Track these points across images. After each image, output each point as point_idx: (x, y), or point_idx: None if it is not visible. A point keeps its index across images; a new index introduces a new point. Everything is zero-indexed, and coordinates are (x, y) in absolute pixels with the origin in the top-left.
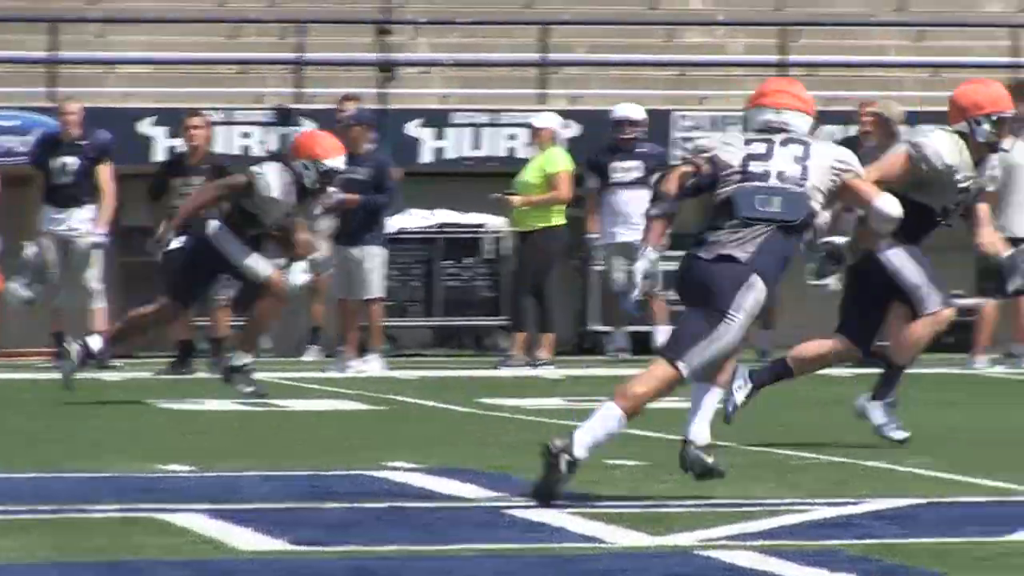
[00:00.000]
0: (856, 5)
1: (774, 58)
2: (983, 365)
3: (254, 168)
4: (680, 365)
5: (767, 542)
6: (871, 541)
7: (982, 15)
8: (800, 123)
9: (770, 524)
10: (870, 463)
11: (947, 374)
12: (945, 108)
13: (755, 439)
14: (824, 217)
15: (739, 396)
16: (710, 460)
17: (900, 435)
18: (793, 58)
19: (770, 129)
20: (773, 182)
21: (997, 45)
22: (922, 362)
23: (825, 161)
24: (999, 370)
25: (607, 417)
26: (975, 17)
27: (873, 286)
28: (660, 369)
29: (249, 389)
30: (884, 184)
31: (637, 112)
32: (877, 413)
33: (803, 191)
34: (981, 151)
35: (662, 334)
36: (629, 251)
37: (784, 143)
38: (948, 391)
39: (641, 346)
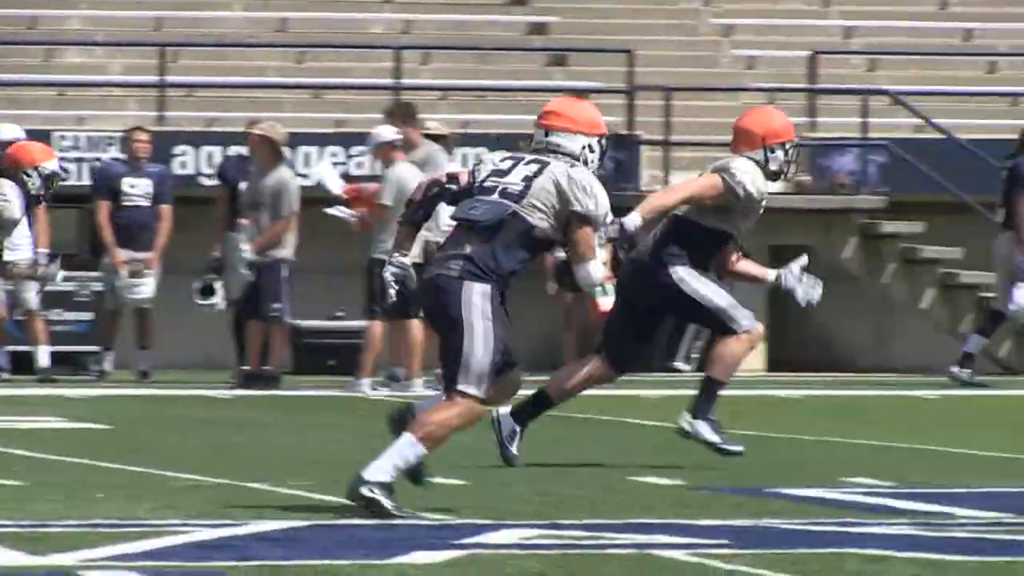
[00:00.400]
0: (237, 26)
1: (154, 79)
2: (367, 388)
3: None
4: (461, 389)
5: (150, 563)
6: (255, 563)
7: (364, 36)
8: (569, 143)
9: (153, 545)
10: (252, 485)
11: (331, 397)
12: (325, 129)
13: (138, 461)
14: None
15: (514, 448)
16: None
17: (736, 447)
18: (172, 78)
19: (538, 149)
20: (494, 197)
21: (380, 67)
22: (305, 384)
23: (554, 183)
24: (383, 392)
25: (401, 446)
26: (357, 39)
27: (641, 309)
28: (450, 403)
29: None
30: (689, 205)
31: (14, 132)
32: (706, 430)
33: (510, 206)
34: (769, 178)
35: (43, 354)
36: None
37: (528, 162)
38: (331, 414)
39: (25, 365)
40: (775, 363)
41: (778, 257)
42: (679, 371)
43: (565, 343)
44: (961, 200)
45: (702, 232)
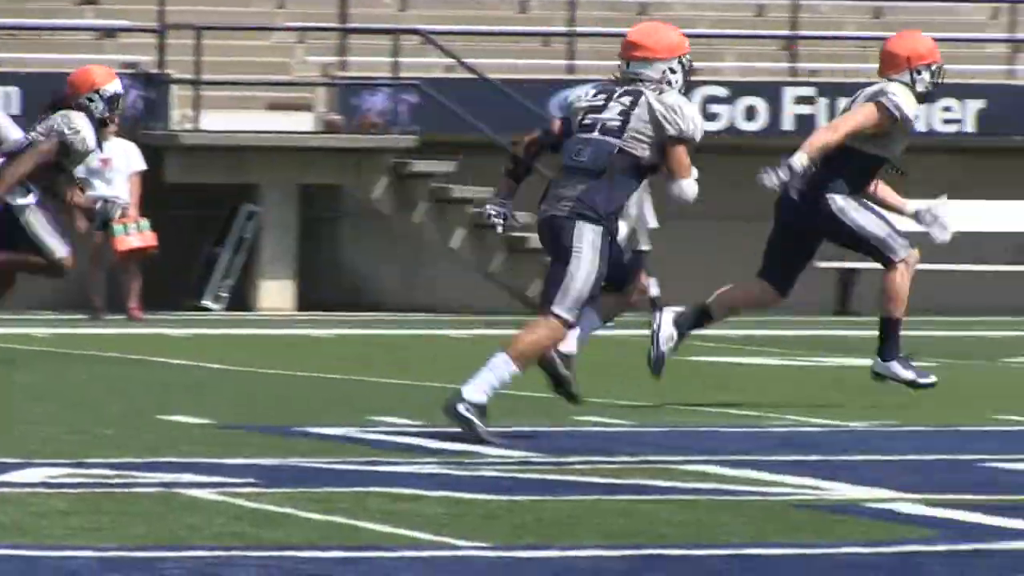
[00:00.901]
0: None
1: None
2: None
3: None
4: (556, 311)
5: None
6: None
7: None
8: (648, 71)
9: None
10: None
11: None
12: None
13: None
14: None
15: (666, 347)
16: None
17: (930, 379)
18: None
19: (624, 80)
20: (595, 135)
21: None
22: None
23: (649, 112)
24: None
25: (496, 365)
26: None
27: (799, 234)
28: (542, 322)
29: None
30: (852, 136)
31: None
32: (900, 370)
33: (614, 143)
34: (917, 100)
35: None
36: None
37: (621, 95)
38: None
39: None
40: (305, 302)
41: (307, 197)
42: (208, 310)
43: (92, 281)
44: (493, 140)
45: (860, 158)
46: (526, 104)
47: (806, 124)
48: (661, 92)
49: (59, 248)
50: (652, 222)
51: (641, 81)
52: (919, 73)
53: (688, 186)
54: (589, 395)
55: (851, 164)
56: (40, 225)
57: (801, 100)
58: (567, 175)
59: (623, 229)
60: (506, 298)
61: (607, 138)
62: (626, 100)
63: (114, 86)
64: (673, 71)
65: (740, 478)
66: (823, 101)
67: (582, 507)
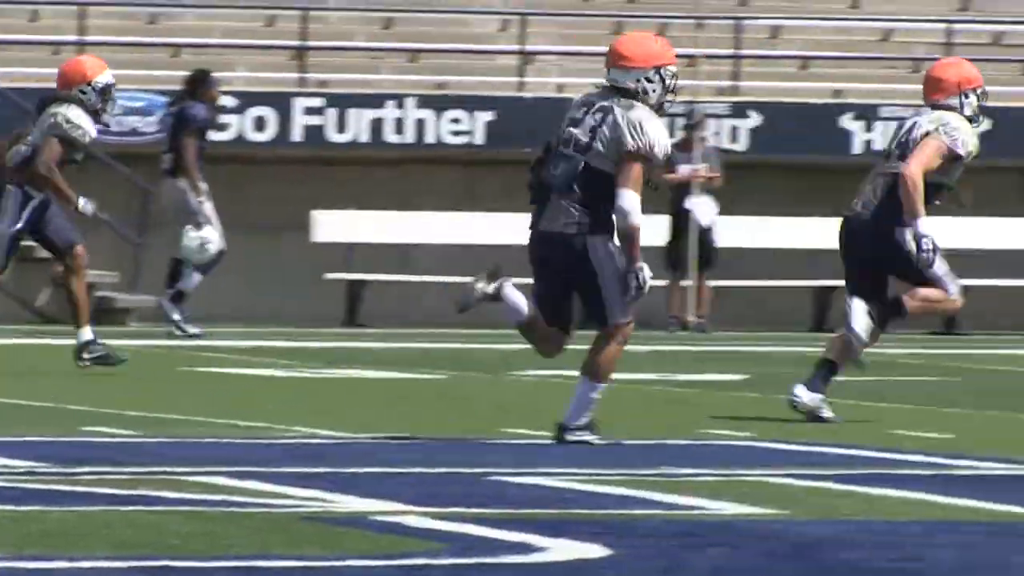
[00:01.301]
0: None
1: None
2: None
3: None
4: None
5: None
6: None
7: None
8: (623, 78)
9: None
10: None
11: None
12: None
13: None
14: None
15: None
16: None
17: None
18: None
19: (604, 87)
20: (569, 150)
21: None
22: None
23: (613, 128)
24: None
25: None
26: None
27: (870, 264)
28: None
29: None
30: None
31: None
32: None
33: (580, 159)
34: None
35: None
36: None
37: (595, 111)
38: None
39: None
40: None
41: None
42: None
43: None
44: None
45: (925, 187)
46: (26, 107)
47: (315, 135)
48: (631, 107)
49: (76, 238)
50: None
51: (618, 89)
52: (967, 97)
53: (629, 197)
54: (99, 406)
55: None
56: (57, 221)
57: (311, 111)
58: (554, 190)
59: None
60: (15, 308)
61: (576, 154)
62: (598, 116)
63: (105, 77)
64: (649, 80)
65: (247, 490)
66: (332, 112)
67: (90, 518)
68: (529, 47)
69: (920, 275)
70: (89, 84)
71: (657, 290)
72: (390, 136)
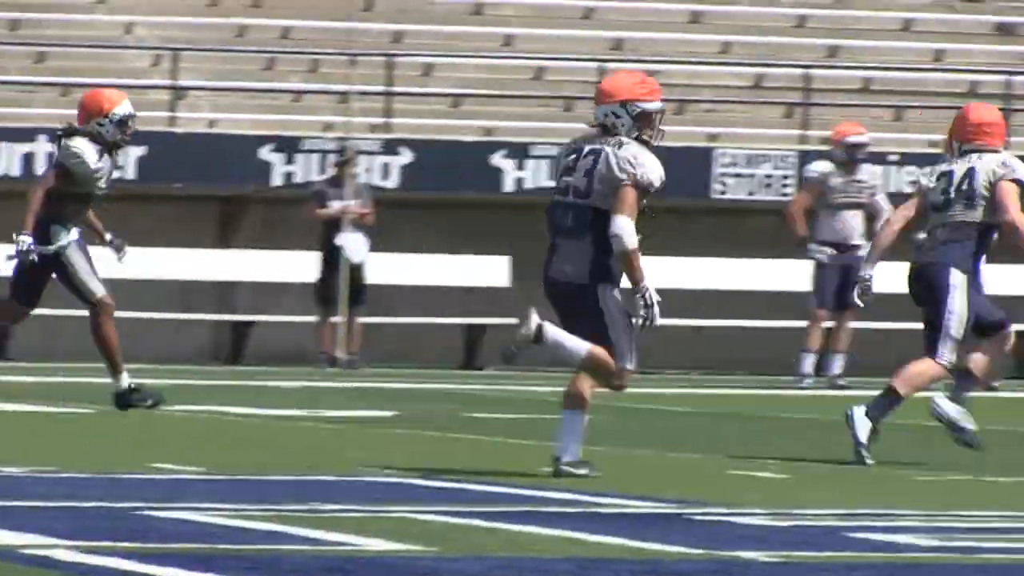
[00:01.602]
0: None
1: None
2: None
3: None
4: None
5: None
6: None
7: None
8: (598, 113)
9: None
10: None
11: None
12: None
13: None
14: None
15: (862, 435)
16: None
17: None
18: None
19: (589, 134)
20: (569, 198)
21: None
22: None
23: (607, 168)
24: None
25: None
26: None
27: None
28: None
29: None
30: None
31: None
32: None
33: (585, 205)
34: None
35: None
36: None
37: (587, 155)
38: None
39: None
40: None
41: None
42: None
43: None
44: None
45: (982, 228)
46: None
47: None
48: (621, 145)
49: (99, 288)
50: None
51: (604, 128)
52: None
53: (620, 221)
54: None
55: (971, 234)
56: (80, 267)
57: None
58: (563, 238)
59: None
60: None
61: (578, 201)
62: (590, 159)
63: (123, 109)
64: (616, 115)
65: None
66: None
67: None
68: (181, 82)
69: (939, 313)
70: (107, 116)
71: (307, 326)
72: (42, 170)
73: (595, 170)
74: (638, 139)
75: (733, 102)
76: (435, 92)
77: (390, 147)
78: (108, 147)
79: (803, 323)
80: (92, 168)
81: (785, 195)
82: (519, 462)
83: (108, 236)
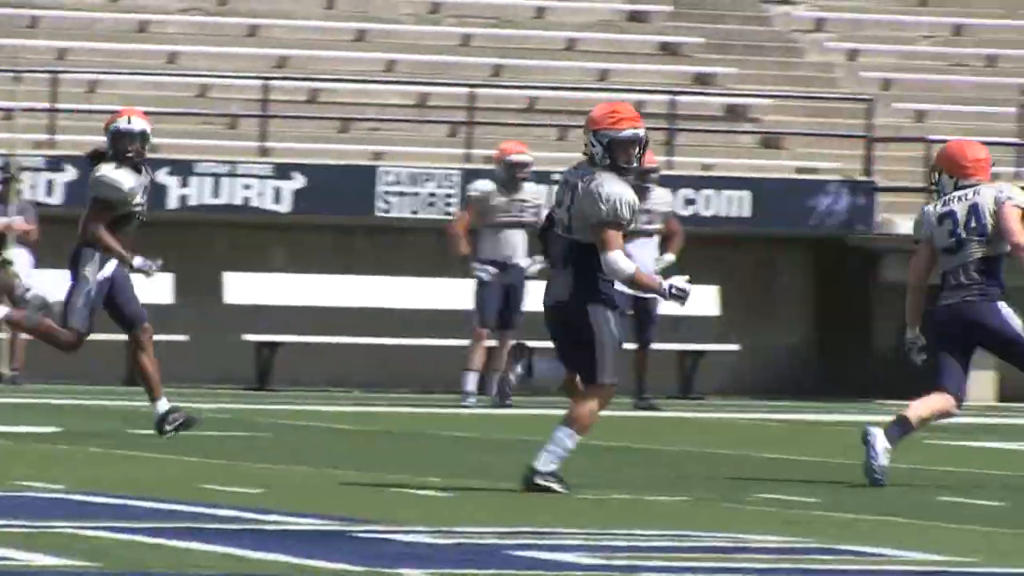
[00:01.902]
0: None
1: None
2: None
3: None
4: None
5: None
6: None
7: None
8: (588, 147)
9: None
10: None
11: None
12: None
13: None
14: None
15: (883, 460)
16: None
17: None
18: None
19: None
20: (558, 230)
21: None
22: None
23: (582, 204)
24: None
25: (560, 438)
26: None
27: (963, 343)
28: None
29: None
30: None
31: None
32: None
33: (568, 239)
34: None
35: None
36: None
37: (569, 189)
38: None
39: None
40: None
41: None
42: None
43: None
44: None
45: (1002, 260)
46: None
47: None
48: (592, 179)
49: (80, 324)
50: None
51: (589, 155)
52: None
53: (611, 258)
54: None
55: (996, 266)
56: (82, 293)
57: None
58: (557, 267)
59: None
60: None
61: (565, 235)
62: (569, 195)
63: (121, 122)
64: (592, 144)
65: None
66: None
67: None
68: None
69: (1018, 351)
70: (107, 131)
71: None
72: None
73: (572, 206)
74: (612, 167)
75: (397, 120)
76: (99, 109)
77: (54, 164)
78: (131, 165)
79: (466, 342)
80: (125, 191)
81: (449, 214)
82: (183, 479)
83: (137, 260)
